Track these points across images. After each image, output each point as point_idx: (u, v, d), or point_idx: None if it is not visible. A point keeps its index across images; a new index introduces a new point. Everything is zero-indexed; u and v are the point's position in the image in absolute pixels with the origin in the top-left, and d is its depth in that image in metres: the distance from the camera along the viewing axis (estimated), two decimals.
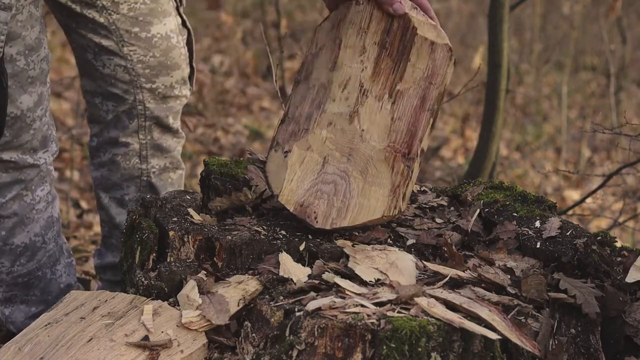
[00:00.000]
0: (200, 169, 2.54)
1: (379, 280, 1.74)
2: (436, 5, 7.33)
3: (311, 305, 1.63)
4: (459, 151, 5.76)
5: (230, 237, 1.83)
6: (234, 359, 1.67)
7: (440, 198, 2.13)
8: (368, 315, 1.61)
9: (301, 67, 1.97)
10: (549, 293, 1.77)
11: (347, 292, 1.70)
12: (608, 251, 1.91)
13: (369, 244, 1.89)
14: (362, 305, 1.64)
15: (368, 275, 1.74)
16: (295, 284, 1.73)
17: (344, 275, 1.76)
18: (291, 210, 1.88)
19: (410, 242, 1.93)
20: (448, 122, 6.14)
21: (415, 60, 1.91)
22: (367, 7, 1.91)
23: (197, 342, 1.66)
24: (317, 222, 1.87)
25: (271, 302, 1.68)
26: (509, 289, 1.77)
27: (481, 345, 1.63)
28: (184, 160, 2.65)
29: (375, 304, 1.65)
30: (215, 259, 1.82)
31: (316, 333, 1.59)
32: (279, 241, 1.85)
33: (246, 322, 1.68)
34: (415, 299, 1.66)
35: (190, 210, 1.95)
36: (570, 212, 3.59)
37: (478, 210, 2.01)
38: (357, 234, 1.92)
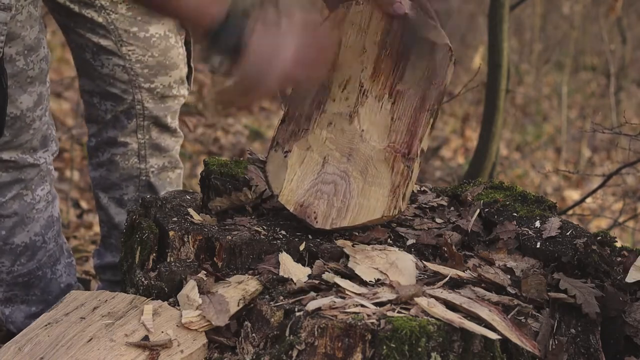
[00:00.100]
0: (200, 169, 2.54)
1: (379, 280, 1.74)
2: (436, 5, 7.32)
3: (311, 305, 1.63)
4: (459, 151, 5.76)
5: (230, 237, 1.83)
6: (234, 359, 1.67)
7: (440, 198, 2.13)
8: (368, 315, 1.61)
9: None
10: (549, 293, 1.77)
11: (347, 292, 1.70)
12: (608, 251, 1.91)
13: (369, 244, 1.89)
14: (362, 305, 1.64)
15: (368, 275, 1.74)
16: (295, 284, 1.73)
17: (344, 275, 1.76)
18: (291, 210, 1.88)
19: (410, 242, 1.92)
20: (448, 122, 6.14)
21: (415, 60, 1.91)
22: (367, 7, 1.91)
23: (197, 342, 1.66)
24: (317, 222, 1.87)
25: (271, 302, 1.68)
26: (509, 289, 1.77)
27: (481, 345, 1.63)
28: (184, 160, 2.65)
29: (375, 304, 1.65)
30: (215, 259, 1.82)
31: (316, 333, 1.59)
32: (279, 241, 1.85)
33: (246, 322, 1.68)
34: (415, 299, 1.66)
35: (190, 210, 1.95)
36: (570, 212, 3.59)
37: (478, 210, 2.01)
38: (357, 234, 1.92)
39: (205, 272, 1.78)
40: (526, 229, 1.95)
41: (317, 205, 1.87)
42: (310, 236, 1.88)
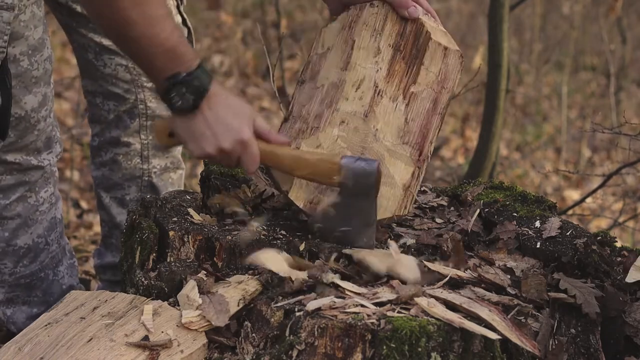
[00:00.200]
0: (200, 169, 2.54)
1: (384, 278, 1.74)
2: (436, 5, 7.33)
3: (311, 305, 1.63)
4: (459, 151, 5.76)
5: (230, 237, 1.83)
6: (234, 359, 1.67)
7: (440, 198, 2.13)
8: (368, 315, 1.61)
9: (305, 67, 1.98)
10: (549, 293, 1.77)
11: (347, 292, 1.70)
12: (608, 251, 1.91)
13: None
14: (362, 305, 1.64)
15: (379, 267, 1.75)
16: (294, 284, 1.73)
17: (344, 275, 1.76)
18: (300, 206, 1.87)
19: (410, 242, 1.92)
20: (448, 122, 6.13)
21: (428, 64, 1.92)
22: (381, 9, 1.93)
23: (197, 342, 1.66)
24: None
25: (271, 302, 1.68)
26: (509, 289, 1.77)
27: (481, 345, 1.63)
28: (184, 160, 2.65)
29: (375, 304, 1.65)
30: (215, 259, 1.82)
31: (316, 333, 1.59)
32: (279, 241, 1.85)
33: (246, 322, 1.68)
34: (415, 299, 1.66)
35: (190, 210, 1.95)
36: (570, 212, 3.59)
37: (478, 210, 2.01)
38: None
39: (205, 272, 1.78)
40: (526, 229, 1.95)
41: (326, 202, 1.87)
42: (310, 236, 1.88)
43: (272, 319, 1.65)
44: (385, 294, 1.69)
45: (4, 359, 1.68)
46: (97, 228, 3.67)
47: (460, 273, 1.78)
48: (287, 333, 1.62)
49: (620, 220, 3.56)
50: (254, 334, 1.67)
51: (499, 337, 1.61)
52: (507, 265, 1.86)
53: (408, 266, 1.76)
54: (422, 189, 2.19)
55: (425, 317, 1.61)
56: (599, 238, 1.94)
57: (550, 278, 1.81)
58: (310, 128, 1.90)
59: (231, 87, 6.10)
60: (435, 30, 1.94)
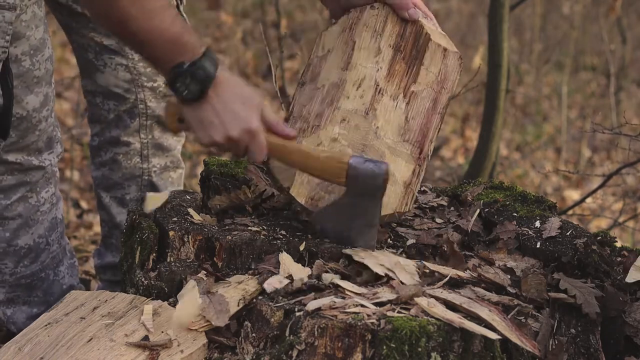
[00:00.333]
0: (200, 169, 2.54)
1: (383, 278, 1.74)
2: (436, 6, 7.33)
3: (311, 305, 1.63)
4: (459, 151, 5.76)
5: (230, 237, 1.83)
6: (234, 359, 1.67)
7: (440, 198, 2.13)
8: (368, 315, 1.61)
9: (306, 69, 1.99)
10: (549, 293, 1.77)
11: (347, 292, 1.70)
12: (608, 251, 1.91)
13: None
14: (362, 305, 1.64)
15: (378, 268, 1.75)
16: (294, 283, 1.73)
17: (344, 275, 1.76)
18: (302, 202, 1.87)
19: (410, 242, 1.93)
20: (448, 122, 6.13)
21: (428, 64, 1.94)
22: (382, 11, 1.95)
23: (197, 342, 1.66)
24: None
25: (271, 302, 1.68)
26: (509, 289, 1.77)
27: (481, 345, 1.63)
28: (184, 159, 2.65)
29: (375, 304, 1.65)
30: (215, 259, 1.82)
31: (316, 333, 1.59)
32: (279, 241, 1.85)
33: (246, 322, 1.68)
34: (415, 299, 1.66)
35: (190, 210, 1.95)
36: (570, 212, 3.58)
37: (478, 210, 2.01)
38: None
39: (205, 272, 1.78)
40: (526, 229, 1.95)
41: (329, 199, 1.87)
42: (310, 236, 1.88)
43: (272, 319, 1.65)
44: (385, 294, 1.69)
45: (4, 359, 1.68)
46: (97, 228, 3.67)
47: (460, 273, 1.79)
48: (287, 333, 1.62)
49: (620, 220, 3.56)
50: (254, 334, 1.67)
51: (499, 337, 1.61)
52: (507, 265, 1.86)
53: (407, 269, 1.76)
54: (422, 188, 2.20)
55: (425, 317, 1.61)
56: (599, 238, 1.94)
57: (550, 278, 1.81)
58: (311, 127, 1.90)
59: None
60: (434, 32, 1.96)
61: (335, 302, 1.65)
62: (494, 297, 1.73)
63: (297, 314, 1.63)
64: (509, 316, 1.68)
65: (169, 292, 1.77)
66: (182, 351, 1.64)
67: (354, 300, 1.66)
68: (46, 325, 1.74)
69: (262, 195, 2.01)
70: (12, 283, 2.33)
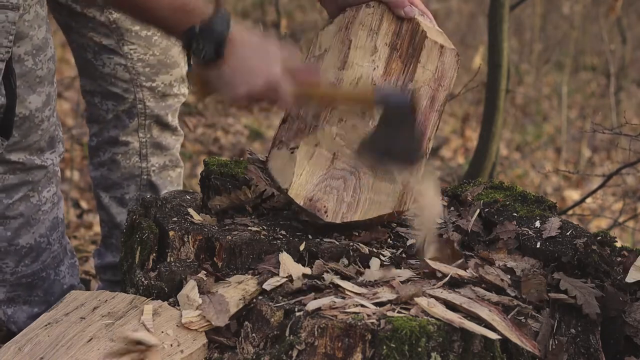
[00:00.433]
0: (200, 169, 2.54)
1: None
2: (436, 5, 7.33)
3: (311, 305, 1.63)
4: (459, 151, 5.76)
5: (230, 237, 1.83)
6: (234, 359, 1.67)
7: (440, 198, 2.13)
8: (368, 315, 1.61)
9: None
10: (549, 293, 1.77)
11: (347, 292, 1.70)
12: (608, 251, 1.91)
13: (369, 244, 1.89)
14: (362, 305, 1.64)
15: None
16: (294, 283, 1.73)
17: (343, 276, 1.76)
18: (300, 204, 1.87)
19: (410, 242, 1.93)
20: (448, 122, 6.14)
21: (425, 62, 1.93)
22: (377, 9, 1.94)
23: (197, 342, 1.66)
24: (327, 216, 1.87)
25: (271, 302, 1.68)
26: (509, 289, 1.77)
27: (481, 345, 1.63)
28: (184, 159, 2.65)
29: (375, 304, 1.65)
30: (215, 259, 1.82)
31: (316, 333, 1.59)
32: (279, 241, 1.85)
33: (246, 322, 1.68)
34: (415, 299, 1.66)
35: (190, 210, 1.95)
36: (570, 212, 3.59)
37: (478, 210, 2.01)
38: (357, 234, 1.92)
39: (205, 272, 1.78)
40: (526, 229, 1.95)
41: (327, 200, 1.87)
42: (310, 236, 1.88)
43: (272, 319, 1.65)
44: (385, 294, 1.69)
45: (4, 359, 1.68)
46: (97, 228, 3.67)
47: (460, 273, 1.78)
48: (287, 333, 1.62)
49: (620, 220, 3.56)
50: (254, 334, 1.67)
51: (499, 337, 1.61)
52: (507, 265, 1.86)
53: (431, 197, 1.80)
54: None
55: (425, 317, 1.61)
56: (599, 238, 1.94)
57: (550, 278, 1.81)
58: (308, 127, 1.90)
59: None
60: (431, 30, 1.95)
61: (335, 302, 1.65)
62: (494, 297, 1.72)
63: (297, 314, 1.63)
64: (509, 316, 1.68)
65: (169, 292, 1.77)
66: (182, 351, 1.64)
67: (354, 300, 1.66)
68: (46, 325, 1.74)
69: (262, 195, 2.01)
70: (13, 282, 2.33)
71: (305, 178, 1.87)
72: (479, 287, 1.76)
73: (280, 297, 1.70)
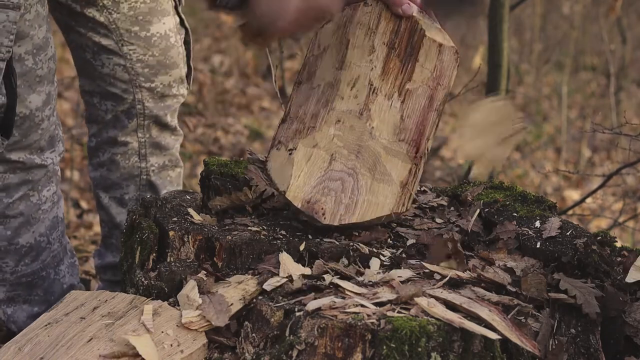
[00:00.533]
0: (200, 169, 2.54)
1: None
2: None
3: (311, 305, 1.63)
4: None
5: (230, 237, 1.83)
6: (234, 359, 1.67)
7: (440, 198, 2.13)
8: (368, 315, 1.61)
9: (302, 68, 1.98)
10: (549, 293, 1.77)
11: (347, 292, 1.70)
12: (608, 251, 1.91)
13: (369, 244, 1.89)
14: (362, 305, 1.64)
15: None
16: (294, 284, 1.73)
17: (343, 276, 1.76)
18: (298, 206, 1.87)
19: (410, 242, 1.93)
20: (448, 121, 6.14)
21: (423, 60, 1.92)
22: (375, 8, 1.93)
23: (197, 342, 1.66)
24: (324, 218, 1.87)
25: (271, 302, 1.68)
26: (509, 288, 1.77)
27: (481, 345, 1.63)
28: (183, 159, 2.65)
29: (375, 304, 1.65)
30: (215, 259, 1.82)
31: (316, 333, 1.59)
32: (279, 241, 1.85)
33: (246, 322, 1.68)
34: (415, 299, 1.66)
35: (190, 210, 1.95)
36: (570, 212, 3.59)
37: (478, 210, 2.01)
38: (357, 234, 1.92)
39: (205, 272, 1.78)
40: (526, 229, 1.95)
41: (325, 202, 1.87)
42: (310, 236, 1.88)
43: (272, 319, 1.65)
44: (385, 294, 1.69)
45: (4, 359, 1.68)
46: (97, 228, 3.67)
47: (460, 273, 1.78)
48: (287, 333, 1.62)
49: (620, 220, 3.56)
50: (254, 334, 1.67)
51: (499, 337, 1.61)
52: (507, 265, 1.86)
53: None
54: (422, 188, 2.20)
55: (425, 317, 1.61)
56: (599, 238, 1.94)
57: (550, 278, 1.81)
58: (307, 128, 1.90)
59: (231, 87, 6.10)
60: (430, 28, 1.93)
61: (335, 302, 1.65)
62: (494, 297, 1.72)
63: (297, 314, 1.63)
64: (509, 316, 1.68)
65: (169, 292, 1.77)
66: (182, 351, 1.64)
67: (354, 300, 1.66)
68: (46, 325, 1.74)
69: (262, 195, 2.01)
70: (13, 282, 2.33)
71: (303, 180, 1.87)
72: (479, 287, 1.76)
73: (280, 297, 1.70)
